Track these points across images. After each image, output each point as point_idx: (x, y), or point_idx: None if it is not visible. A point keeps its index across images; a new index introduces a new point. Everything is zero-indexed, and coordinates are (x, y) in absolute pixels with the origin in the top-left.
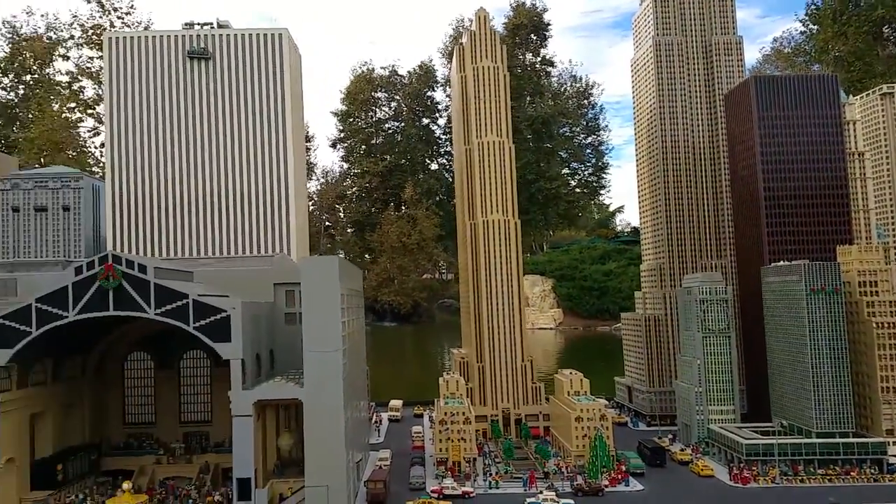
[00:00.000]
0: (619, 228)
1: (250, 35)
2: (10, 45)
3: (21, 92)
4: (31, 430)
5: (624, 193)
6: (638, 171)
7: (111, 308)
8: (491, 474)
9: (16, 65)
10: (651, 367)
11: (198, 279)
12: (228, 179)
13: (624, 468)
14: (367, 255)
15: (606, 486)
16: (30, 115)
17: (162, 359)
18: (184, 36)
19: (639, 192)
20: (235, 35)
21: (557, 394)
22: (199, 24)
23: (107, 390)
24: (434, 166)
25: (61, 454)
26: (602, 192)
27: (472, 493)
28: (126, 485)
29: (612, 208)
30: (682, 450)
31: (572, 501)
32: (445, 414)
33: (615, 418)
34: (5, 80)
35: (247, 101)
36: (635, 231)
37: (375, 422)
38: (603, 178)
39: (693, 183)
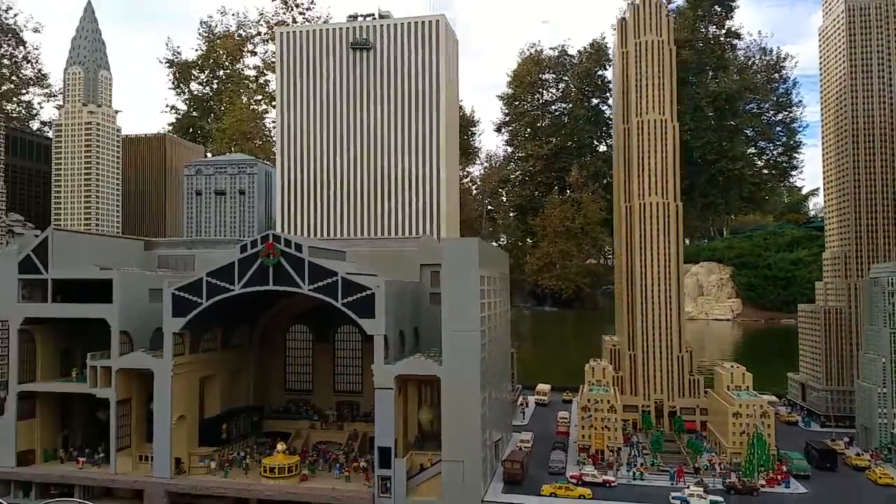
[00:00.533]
0: (811, 213)
1: (408, 23)
2: (206, 44)
3: (215, 86)
4: (202, 392)
5: (819, 175)
6: (824, 149)
7: (271, 283)
8: (636, 465)
9: (211, 61)
10: (829, 363)
11: (350, 259)
12: (385, 164)
13: (785, 469)
14: (528, 239)
15: (763, 487)
16: (222, 108)
17: (319, 332)
18: (348, 28)
19: (824, 172)
20: (395, 24)
21: (717, 387)
22: (362, 15)
23: (270, 359)
24: (602, 148)
25: (227, 415)
26: (793, 173)
27: (613, 482)
28: (280, 446)
29: (804, 191)
30: (858, 455)
31: (721, 499)
32: (589, 401)
33: (785, 417)
34: (202, 77)
35: (403, 88)
36: None
37: (521, 404)
38: (794, 158)
39: (888, 163)
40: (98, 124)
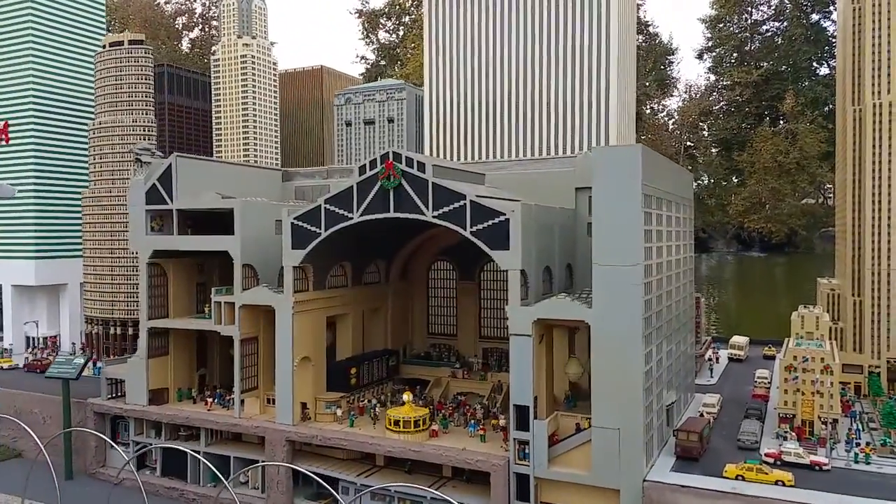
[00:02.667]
0: None
1: None
2: None
3: (401, 34)
4: (332, 333)
5: None
6: None
7: (391, 209)
8: (859, 445)
9: (397, 7)
10: None
11: (492, 183)
12: (543, 82)
13: None
14: (733, 178)
15: None
16: (407, 55)
17: (464, 269)
18: None
19: None
20: None
21: None
22: None
23: (410, 298)
24: (823, 70)
25: (359, 358)
26: None
27: (825, 464)
28: (407, 396)
29: None
30: None
31: None
32: (795, 358)
33: None
34: (388, 24)
35: None
36: None
37: (710, 359)
38: None
39: None
40: (253, 57)
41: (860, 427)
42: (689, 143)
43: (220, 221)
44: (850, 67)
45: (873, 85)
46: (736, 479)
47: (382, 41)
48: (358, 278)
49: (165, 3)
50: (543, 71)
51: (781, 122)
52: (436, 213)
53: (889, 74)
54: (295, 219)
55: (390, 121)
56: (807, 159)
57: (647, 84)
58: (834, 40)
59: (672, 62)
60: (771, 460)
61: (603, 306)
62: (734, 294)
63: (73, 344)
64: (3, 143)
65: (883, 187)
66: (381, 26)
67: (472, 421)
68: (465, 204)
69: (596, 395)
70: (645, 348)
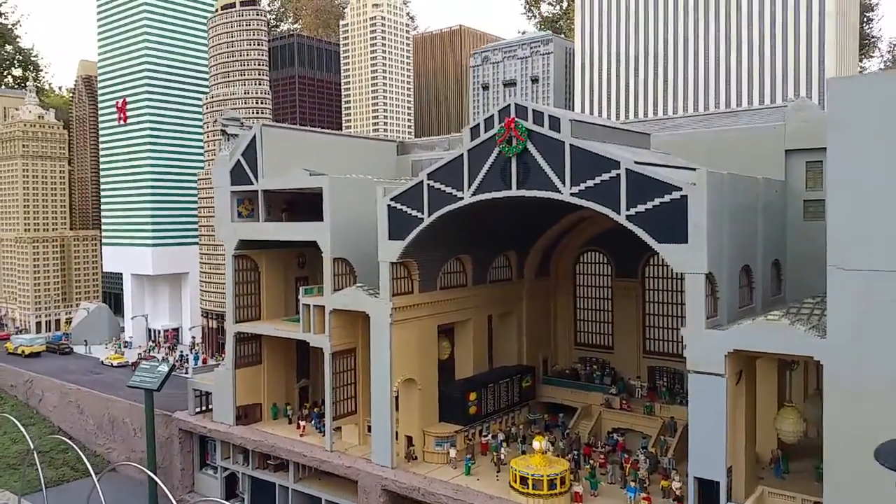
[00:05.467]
0: None
1: None
2: None
3: (564, 5)
4: (451, 346)
5: None
6: None
7: (513, 185)
8: None
9: None
10: None
11: (665, 147)
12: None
13: None
14: None
15: None
16: (571, 27)
17: (622, 262)
18: None
19: None
20: None
21: None
22: None
23: (553, 299)
24: None
25: (482, 378)
26: None
27: None
28: (539, 443)
29: None
30: None
31: None
32: None
33: None
34: None
35: None
36: None
37: None
38: None
39: None
40: (383, 18)
41: None
42: None
43: (320, 204)
44: None
45: None
46: None
47: (545, 14)
48: (482, 275)
49: None
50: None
51: None
52: (576, 190)
53: None
54: (392, 200)
55: (534, 80)
56: None
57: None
58: None
59: (871, 19)
60: None
61: (846, 336)
62: None
63: (193, 339)
64: (122, 122)
65: None
66: None
67: (632, 482)
68: (618, 175)
69: (832, 477)
70: None
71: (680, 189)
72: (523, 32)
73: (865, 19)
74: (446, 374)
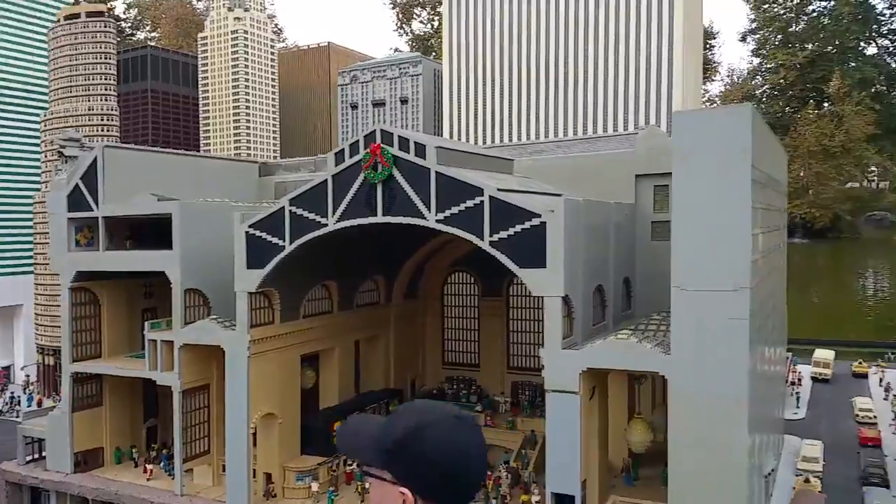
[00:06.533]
0: None
1: None
2: None
3: (436, 24)
4: (316, 374)
5: None
6: None
7: (379, 211)
8: None
9: None
10: None
11: (526, 171)
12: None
13: None
14: None
15: None
16: (442, 46)
17: (488, 282)
18: None
19: None
20: None
21: None
22: None
23: (421, 321)
24: (871, 50)
25: (348, 405)
26: None
27: None
28: None
29: None
30: None
31: None
32: None
33: None
34: (423, 14)
35: None
36: None
37: (793, 382)
38: None
39: None
40: (245, 32)
41: None
42: None
43: (169, 232)
44: None
45: None
46: None
47: (417, 32)
48: (348, 301)
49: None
50: (590, 31)
51: (826, 104)
52: (441, 216)
53: None
54: (251, 226)
55: (403, 101)
56: (853, 142)
57: None
58: (882, 17)
59: (713, 45)
60: None
61: (687, 352)
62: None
63: (27, 377)
64: None
65: None
66: (415, 16)
67: (493, 499)
68: (482, 201)
69: (675, 484)
70: (749, 410)
71: (539, 216)
72: (396, 50)
73: (708, 46)
74: (310, 404)
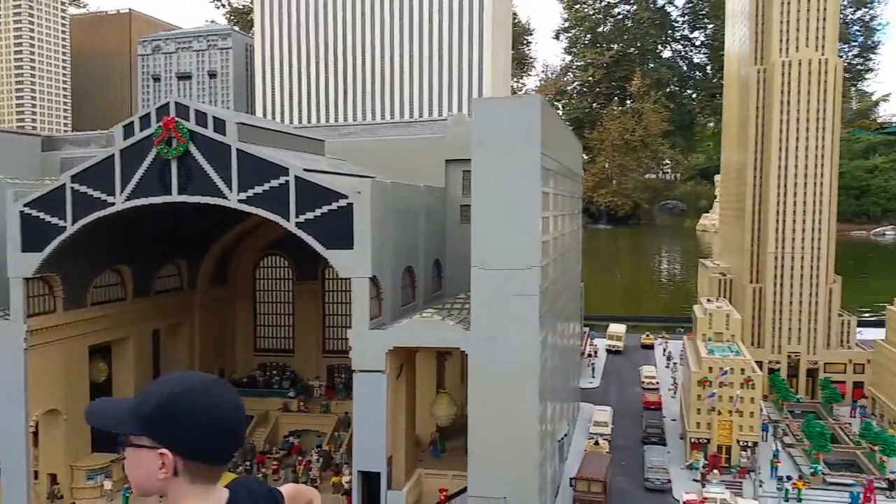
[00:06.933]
0: (881, 120)
1: None
2: None
3: None
4: (109, 369)
5: (890, 79)
6: None
7: (174, 189)
8: (790, 479)
9: None
10: None
11: (337, 153)
12: (403, 25)
13: None
14: (585, 154)
15: None
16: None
17: (302, 266)
18: None
19: None
20: None
21: (892, 337)
22: None
23: (231, 307)
24: (667, 53)
25: None
26: (868, 76)
27: None
28: None
29: (875, 97)
30: None
31: None
32: (711, 370)
33: None
34: None
35: None
36: None
37: (589, 354)
38: (870, 60)
39: None
40: None
41: (778, 446)
42: None
43: None
44: (756, 23)
45: (783, 38)
46: None
47: (235, 4)
48: (145, 287)
49: None
50: (404, 18)
51: (629, 101)
52: (244, 196)
53: (802, 29)
54: (25, 206)
55: (212, 76)
56: (650, 137)
57: None
58: (676, 24)
59: (529, 42)
60: None
61: (485, 327)
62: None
63: None
64: None
65: (789, 163)
66: None
67: (303, 481)
68: (287, 181)
69: (474, 451)
70: (541, 379)
71: (346, 197)
72: (212, 22)
73: (525, 42)
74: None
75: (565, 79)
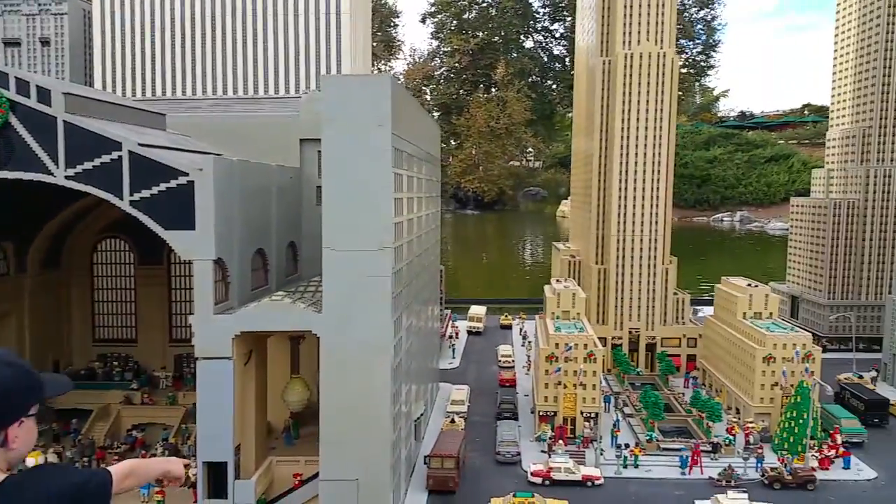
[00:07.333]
0: (721, 114)
1: None
2: None
3: None
4: None
5: (728, 76)
6: (838, 9)
7: None
8: (629, 447)
9: None
10: (834, 272)
11: (182, 129)
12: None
13: (839, 439)
14: (452, 141)
15: (815, 471)
16: None
17: (145, 249)
18: None
19: (836, 33)
20: None
21: (719, 313)
22: None
23: (65, 293)
24: (529, 44)
25: None
26: (710, 72)
27: (598, 478)
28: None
29: (716, 92)
30: None
31: None
32: (557, 346)
33: None
34: None
35: None
36: (742, 115)
37: (450, 336)
38: (712, 57)
39: None
40: None
41: (619, 416)
42: None
43: None
44: (603, 20)
45: (625, 32)
46: None
47: None
48: None
49: None
50: None
51: (494, 89)
52: (72, 172)
53: (643, 24)
54: None
55: (44, 43)
56: (514, 125)
57: (375, 44)
58: (538, 15)
59: (396, 24)
60: (539, 480)
61: (336, 310)
62: (454, 254)
63: None
64: None
65: (631, 151)
66: None
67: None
68: (121, 157)
69: (326, 435)
70: (394, 361)
71: (186, 174)
72: None
73: (392, 24)
74: None
75: (433, 64)
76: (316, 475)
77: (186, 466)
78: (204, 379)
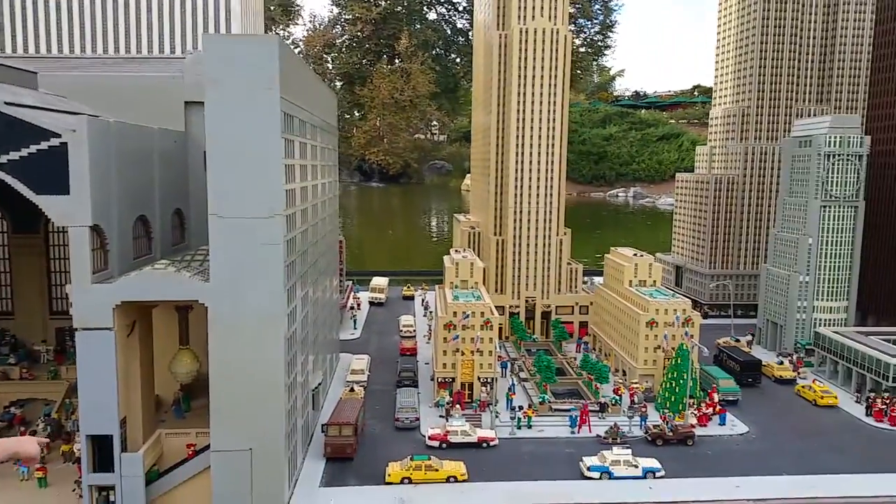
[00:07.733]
0: (616, 93)
1: None
2: None
3: None
4: None
5: (624, 56)
6: None
7: None
8: (522, 409)
9: None
10: (715, 244)
11: (56, 89)
12: None
13: (716, 397)
14: (356, 112)
15: (693, 427)
16: None
17: (20, 217)
18: None
19: (719, 20)
20: None
21: (609, 281)
22: None
23: None
24: (432, 16)
25: None
26: (607, 52)
27: (493, 439)
28: None
29: (612, 72)
30: (780, 363)
31: (657, 465)
32: (455, 314)
33: None
34: None
35: None
36: (636, 95)
37: (352, 307)
38: (609, 37)
39: (800, 9)
40: None
41: (514, 381)
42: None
43: None
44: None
45: (520, 9)
46: (402, 482)
47: None
48: None
49: None
50: None
51: (398, 60)
52: None
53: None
54: None
55: None
56: (419, 97)
57: (272, 8)
58: None
59: None
60: (436, 443)
61: (225, 278)
62: (359, 226)
63: None
64: None
65: (527, 125)
66: None
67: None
68: None
69: (216, 405)
70: (288, 330)
71: (59, 136)
72: None
73: None
74: None
75: (334, 31)
76: (208, 446)
77: (43, 445)
78: (84, 350)
